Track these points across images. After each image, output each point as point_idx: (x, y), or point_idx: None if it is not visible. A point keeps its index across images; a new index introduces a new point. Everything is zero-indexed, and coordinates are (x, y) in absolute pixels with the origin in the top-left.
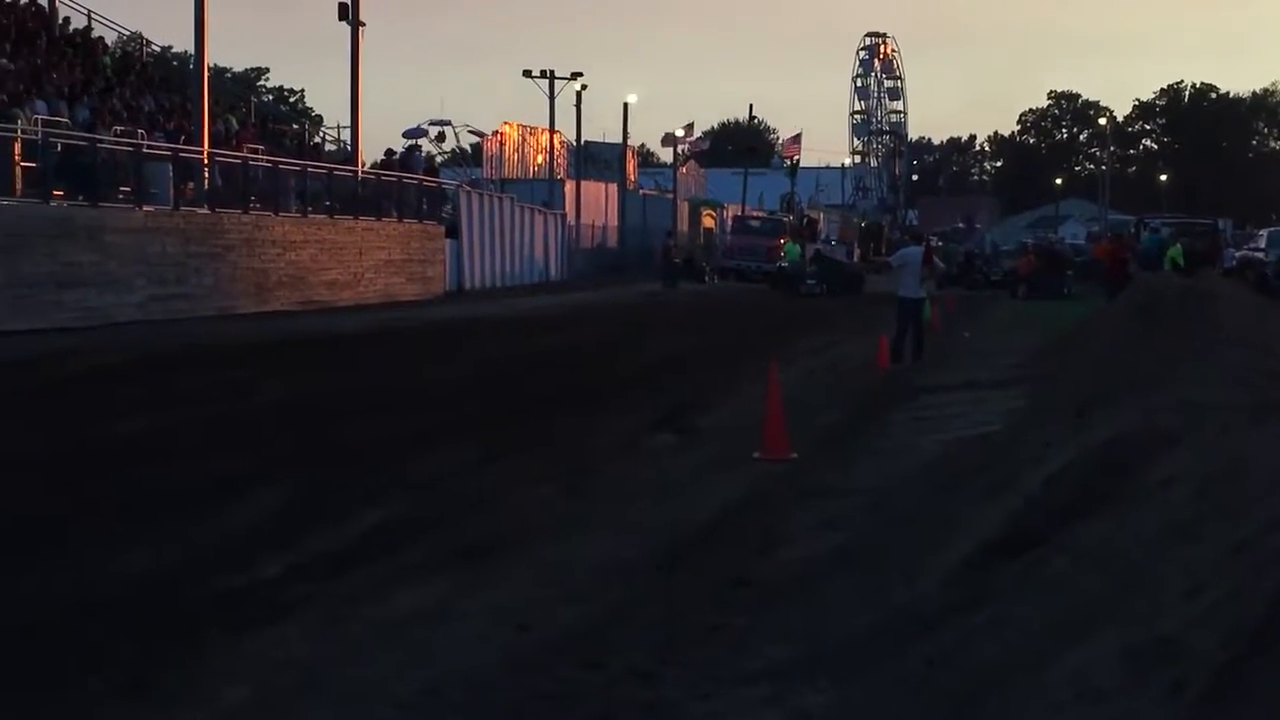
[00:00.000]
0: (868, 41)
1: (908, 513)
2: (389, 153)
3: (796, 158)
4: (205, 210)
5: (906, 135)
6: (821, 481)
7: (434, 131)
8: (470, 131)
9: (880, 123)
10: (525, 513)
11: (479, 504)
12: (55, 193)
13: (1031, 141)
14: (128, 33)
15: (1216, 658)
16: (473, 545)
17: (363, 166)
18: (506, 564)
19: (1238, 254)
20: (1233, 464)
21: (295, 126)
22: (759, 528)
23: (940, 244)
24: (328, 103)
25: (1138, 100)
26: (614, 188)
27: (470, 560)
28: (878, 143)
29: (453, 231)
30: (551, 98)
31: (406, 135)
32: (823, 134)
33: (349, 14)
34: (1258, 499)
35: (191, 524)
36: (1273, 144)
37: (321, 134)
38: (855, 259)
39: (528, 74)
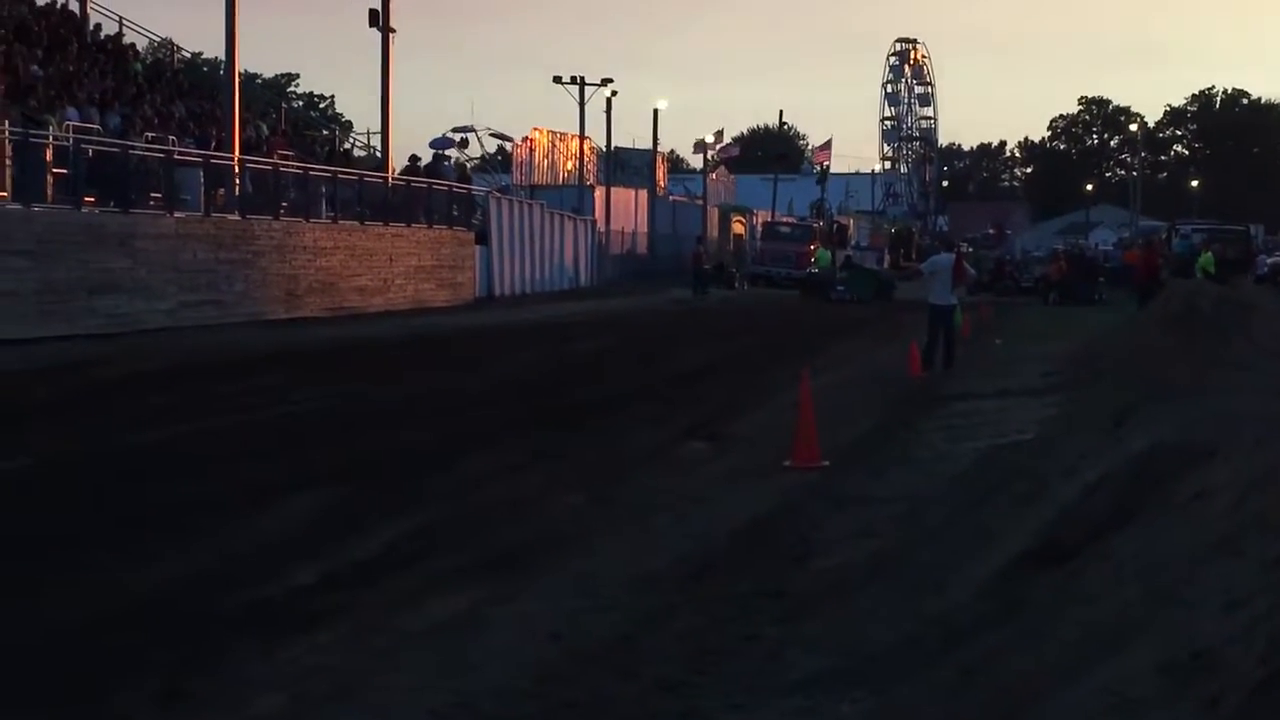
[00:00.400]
0: (898, 47)
1: (941, 522)
2: (413, 159)
3: (827, 164)
4: (236, 216)
5: (937, 141)
6: (854, 490)
7: (458, 138)
8: (492, 135)
9: (911, 129)
10: (556, 521)
11: (510, 512)
12: (87, 199)
13: (1062, 147)
14: (158, 39)
15: (1253, 673)
16: (504, 554)
17: (393, 172)
18: (538, 573)
19: (1270, 260)
20: (1270, 476)
21: (325, 132)
22: (791, 537)
23: (971, 250)
24: (358, 109)
25: (1169, 106)
26: (644, 194)
27: (501, 569)
28: (908, 149)
29: (483, 237)
30: (581, 104)
31: (433, 146)
32: (853, 140)
33: (379, 20)
34: None
35: (225, 532)
36: None
37: (352, 140)
38: (885, 265)
39: (558, 80)
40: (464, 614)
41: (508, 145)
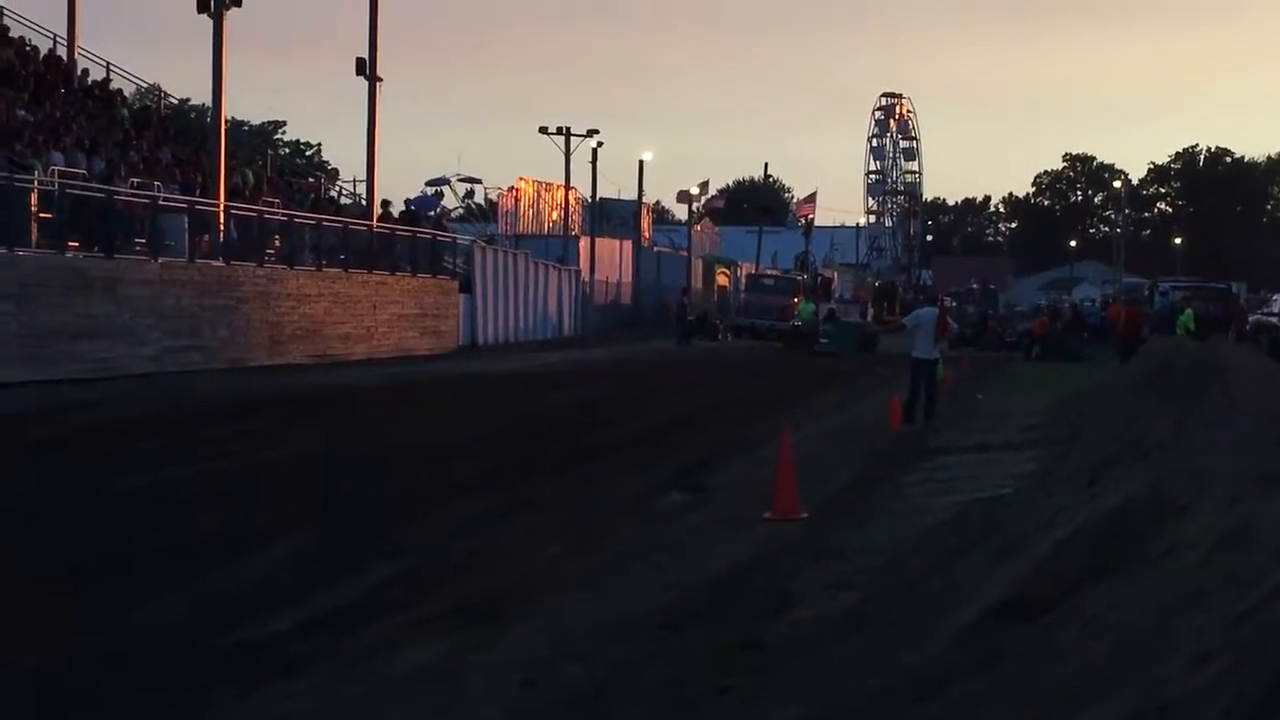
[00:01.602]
0: (884, 102)
1: (918, 575)
2: (408, 203)
3: (811, 216)
4: (220, 262)
5: (921, 195)
6: (832, 542)
7: (432, 191)
8: (461, 180)
9: (895, 183)
10: (534, 570)
11: (488, 561)
12: (71, 244)
13: (1046, 203)
14: (146, 85)
15: None
16: (481, 602)
17: (376, 219)
18: (515, 621)
19: (1252, 319)
20: (1241, 533)
21: (311, 179)
22: (769, 588)
23: (954, 304)
24: (344, 156)
25: (1153, 163)
26: (629, 244)
27: (480, 617)
28: (893, 203)
29: (466, 286)
30: (567, 154)
31: (416, 205)
32: (838, 193)
33: (366, 69)
34: (1265, 568)
35: (204, 577)
36: None
37: (338, 187)
38: (869, 319)
39: (544, 130)
40: (441, 661)
41: (477, 189)
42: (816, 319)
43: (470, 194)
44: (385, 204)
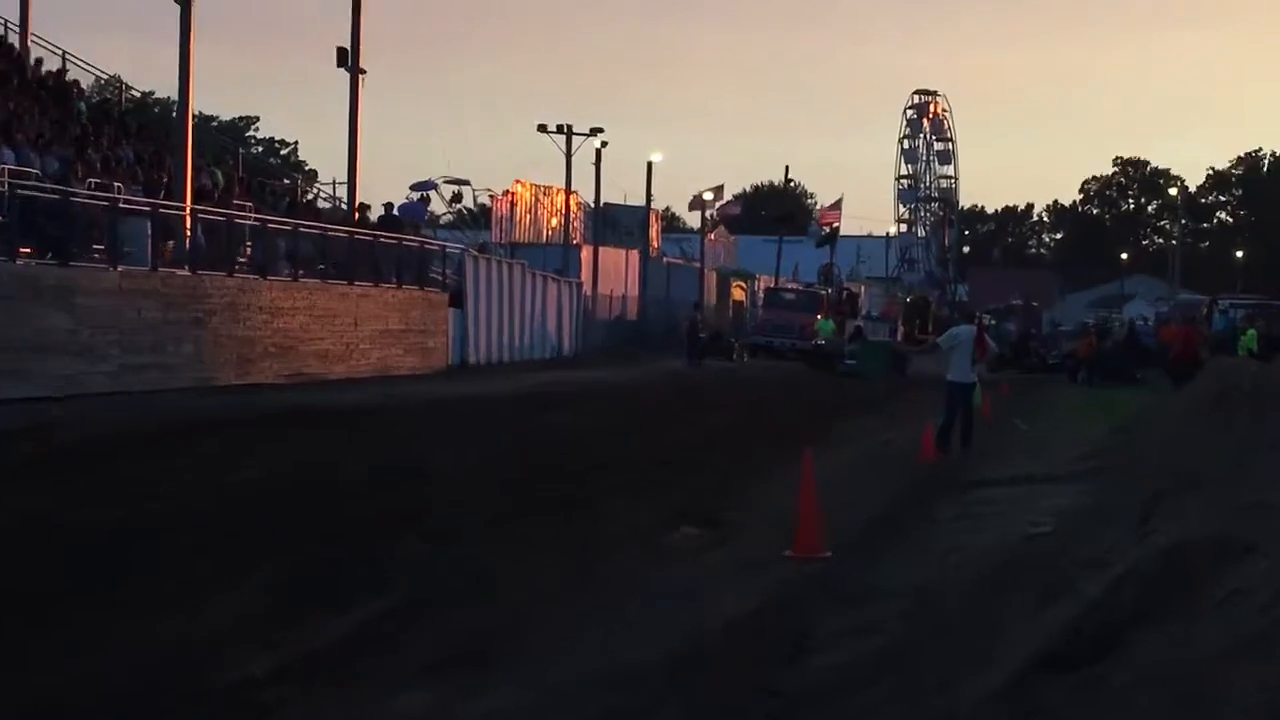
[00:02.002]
0: (916, 100)
1: (952, 619)
2: (388, 207)
3: (836, 225)
4: (186, 272)
5: (957, 203)
6: (858, 583)
7: (417, 196)
8: (448, 182)
9: (929, 188)
10: (529, 610)
11: (478, 601)
12: (22, 250)
13: (1095, 212)
14: (105, 76)
15: None
16: (470, 645)
17: (359, 226)
18: (506, 666)
19: None
20: None
21: (287, 181)
22: (788, 632)
23: (993, 322)
24: (323, 157)
25: (1212, 169)
26: (635, 255)
27: (469, 661)
28: (926, 210)
29: (457, 300)
30: (568, 155)
31: (403, 214)
32: (865, 200)
33: (348, 60)
34: None
35: (166, 617)
36: None
37: (316, 190)
38: (899, 338)
39: (543, 129)
40: (427, 710)
41: (465, 192)
42: (840, 337)
43: (458, 197)
44: (364, 208)
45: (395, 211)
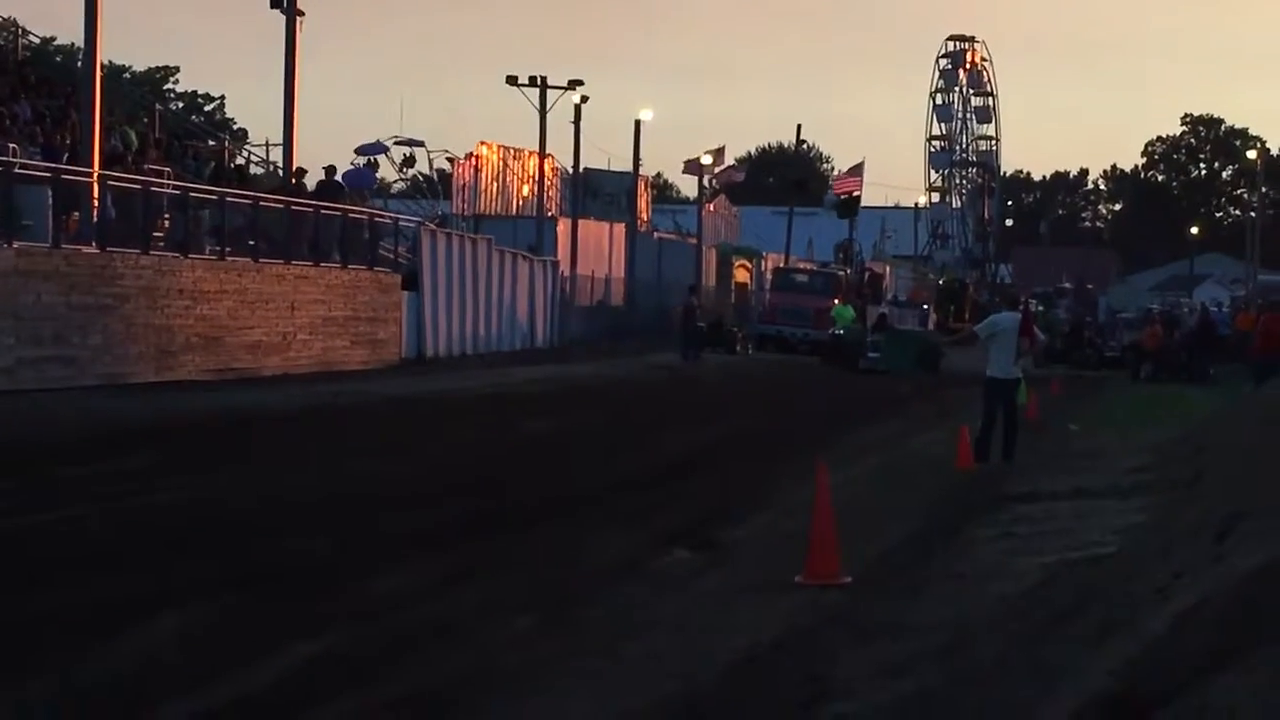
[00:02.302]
0: (951, 47)
1: (993, 659)
2: (329, 171)
3: (856, 194)
4: (94, 249)
5: (999, 168)
6: (882, 615)
7: (364, 160)
8: (399, 143)
9: (966, 152)
10: (498, 651)
11: (437, 639)
12: None
13: (1161, 179)
14: None
15: None
16: (428, 692)
17: (294, 192)
18: (472, 717)
19: None
20: None
21: (212, 143)
22: (800, 674)
23: (1041, 309)
24: (255, 114)
25: None
26: (621, 229)
27: (425, 712)
28: (962, 177)
29: (411, 282)
30: (542, 112)
31: (349, 183)
32: (891, 165)
33: (283, 1)
34: None
35: (69, 658)
36: None
37: (246, 153)
38: (930, 326)
39: (512, 81)
40: None
41: (418, 154)
42: (861, 327)
43: (410, 161)
44: (301, 173)
45: (339, 178)
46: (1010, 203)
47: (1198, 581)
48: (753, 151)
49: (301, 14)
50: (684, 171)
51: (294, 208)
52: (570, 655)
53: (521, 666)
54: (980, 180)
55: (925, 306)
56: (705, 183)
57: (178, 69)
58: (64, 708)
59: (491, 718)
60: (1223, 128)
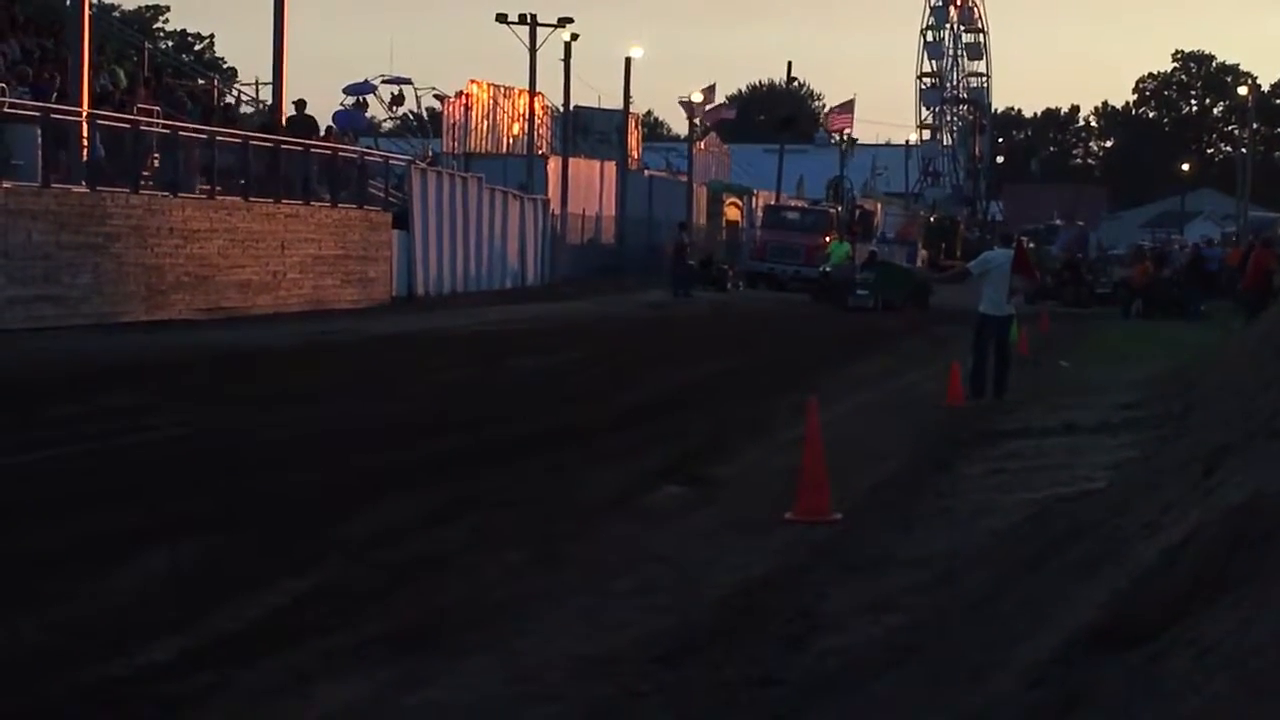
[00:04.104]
0: None
1: (982, 592)
2: (300, 105)
3: (848, 131)
4: (83, 188)
5: (990, 105)
6: (872, 550)
7: (354, 100)
8: (386, 81)
9: (957, 88)
10: (487, 586)
11: (428, 573)
12: None
13: (1151, 116)
14: None
15: None
16: (419, 626)
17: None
18: (462, 651)
19: None
20: None
21: (202, 82)
22: (791, 609)
23: (1032, 246)
24: (245, 53)
25: None
26: (611, 167)
27: (415, 645)
28: (953, 114)
29: (402, 220)
30: (532, 50)
31: (340, 124)
32: (881, 102)
33: None
34: None
35: (59, 595)
36: None
37: (236, 92)
38: (919, 264)
39: (502, 19)
40: (366, 702)
41: (406, 92)
42: (852, 263)
43: (399, 99)
44: (301, 104)
45: (335, 121)
46: (1001, 140)
47: (1186, 516)
48: (743, 89)
49: None
50: (678, 103)
51: (283, 146)
52: (561, 591)
53: (511, 602)
54: (971, 117)
55: (915, 242)
56: (695, 121)
57: (168, 8)
58: (52, 645)
59: (481, 653)
60: (1214, 64)
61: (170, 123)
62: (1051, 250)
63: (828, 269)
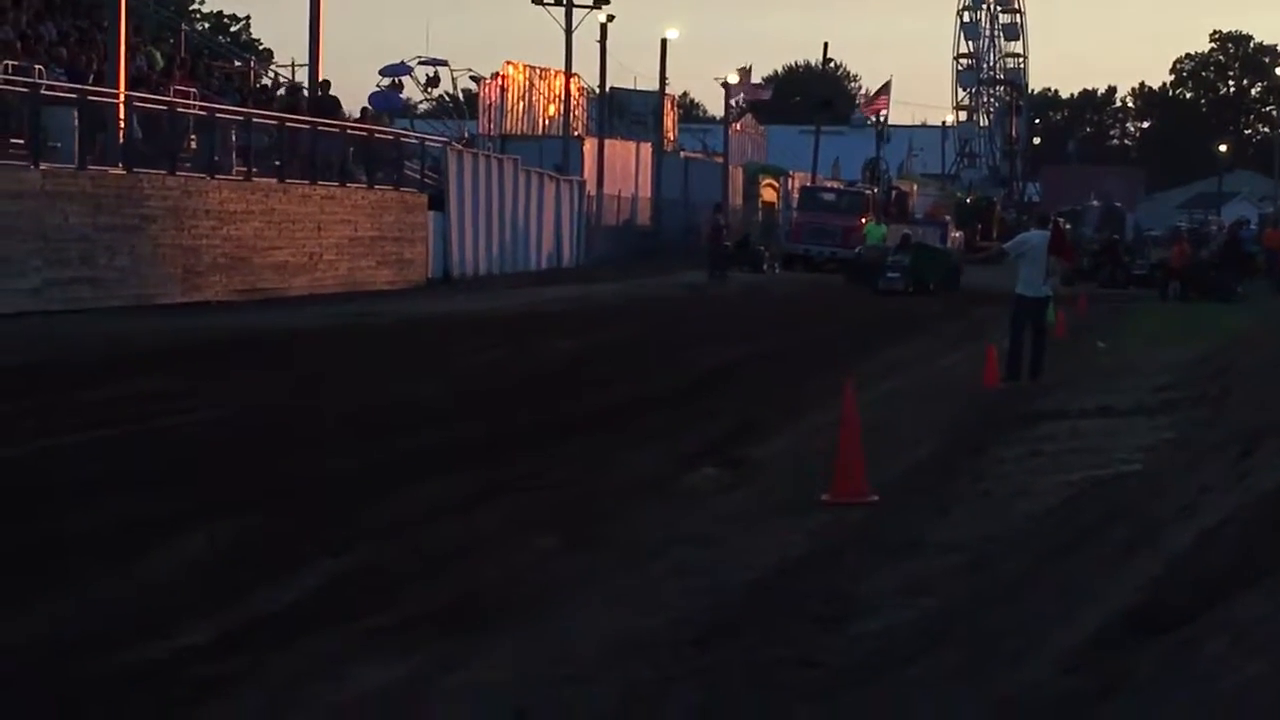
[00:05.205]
0: None
1: (1018, 576)
2: (324, 86)
3: (884, 113)
4: (120, 170)
5: (1026, 86)
6: (908, 533)
7: (389, 81)
8: (423, 63)
9: (993, 69)
10: (523, 568)
11: (464, 556)
12: None
13: (1188, 97)
14: None
15: None
16: (455, 608)
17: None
18: (497, 633)
19: None
20: None
21: (238, 64)
22: (827, 592)
23: (1069, 227)
24: (281, 34)
25: None
26: (647, 148)
27: (452, 628)
28: (989, 95)
29: (438, 202)
30: (568, 31)
31: (376, 105)
32: (918, 83)
33: None
34: None
35: (99, 578)
36: None
37: (272, 73)
38: (949, 243)
39: (538, 1)
40: (402, 684)
41: (442, 74)
42: (885, 245)
43: (434, 80)
44: (326, 85)
45: (371, 101)
46: (1038, 121)
47: (1223, 499)
48: (779, 70)
49: None
50: (718, 85)
51: (320, 128)
52: (596, 573)
53: (547, 584)
54: (1008, 98)
55: (947, 219)
56: (732, 102)
57: None
58: (90, 626)
59: (517, 635)
60: (1251, 44)
61: (207, 105)
62: (1085, 233)
63: (861, 250)
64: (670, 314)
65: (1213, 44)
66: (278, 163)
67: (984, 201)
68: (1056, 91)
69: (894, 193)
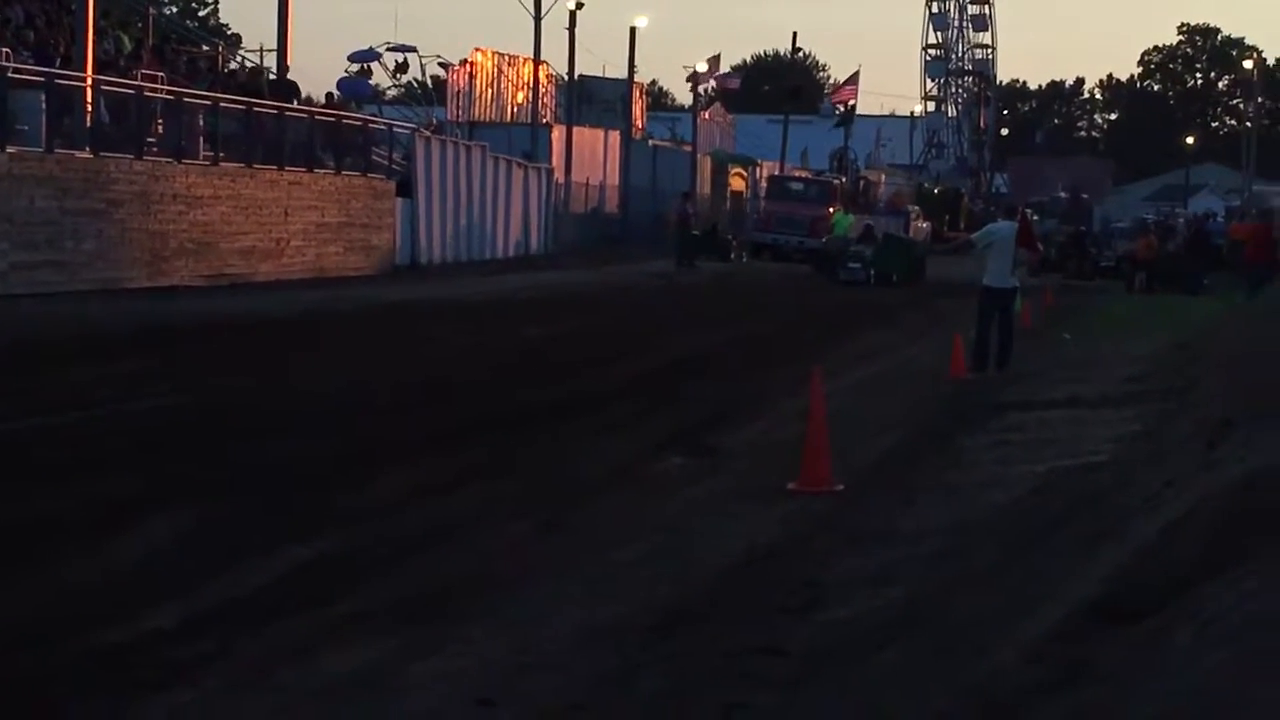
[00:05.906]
0: None
1: (985, 565)
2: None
3: (852, 103)
4: (87, 154)
5: (995, 77)
6: (874, 522)
7: (357, 68)
8: (391, 49)
9: (961, 60)
10: (491, 555)
11: (432, 543)
12: None
13: (1156, 89)
14: None
15: None
16: (423, 595)
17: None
18: (466, 620)
19: None
20: None
21: (206, 48)
22: (793, 580)
23: (1037, 219)
24: (249, 19)
25: None
26: (616, 136)
27: (419, 614)
28: (957, 86)
29: (405, 188)
30: (537, 18)
31: (344, 91)
32: (886, 73)
33: None
34: None
35: (66, 561)
36: None
37: (240, 58)
38: (912, 233)
39: None
40: (369, 670)
41: (411, 60)
42: (847, 235)
43: (403, 67)
44: (283, 71)
45: (339, 87)
46: (1006, 112)
47: (1188, 490)
48: (749, 59)
49: None
50: (687, 80)
51: (286, 113)
52: (564, 560)
53: (514, 571)
54: (976, 89)
55: (907, 211)
56: (700, 91)
57: None
58: (56, 610)
59: (485, 623)
60: (1219, 37)
61: (174, 89)
62: (1052, 225)
63: (825, 241)
64: (638, 302)
65: (1180, 36)
66: (245, 148)
67: (952, 192)
68: (1025, 83)
69: (862, 182)
